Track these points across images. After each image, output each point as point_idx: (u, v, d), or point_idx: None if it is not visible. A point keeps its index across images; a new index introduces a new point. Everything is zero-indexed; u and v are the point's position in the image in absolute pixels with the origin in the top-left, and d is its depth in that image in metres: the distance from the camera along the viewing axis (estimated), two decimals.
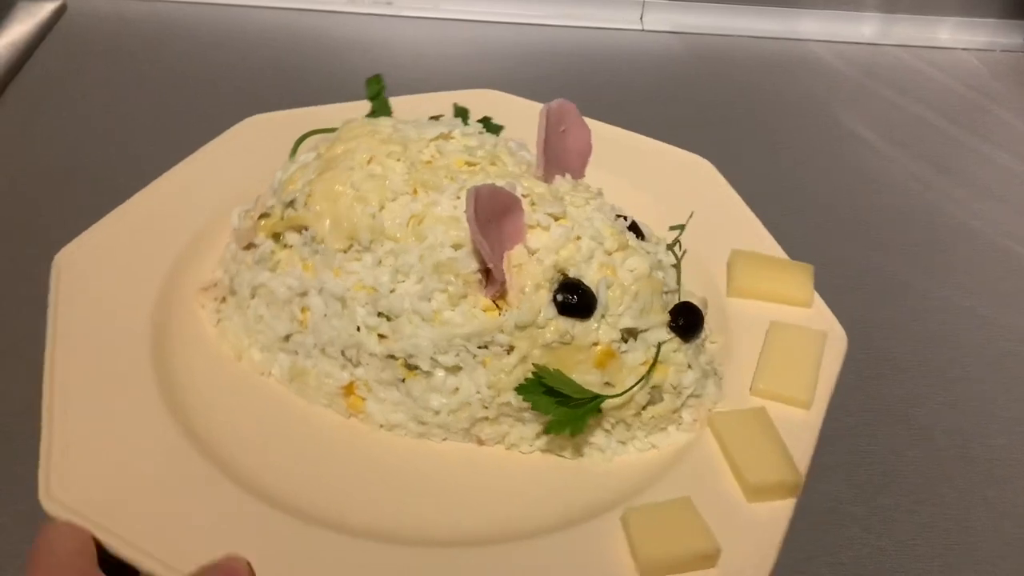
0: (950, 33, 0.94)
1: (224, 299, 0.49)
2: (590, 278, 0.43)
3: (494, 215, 0.42)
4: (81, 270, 0.47)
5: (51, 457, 0.38)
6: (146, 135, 0.67)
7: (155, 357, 0.44)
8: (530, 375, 0.42)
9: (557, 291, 0.42)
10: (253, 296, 0.48)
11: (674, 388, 0.43)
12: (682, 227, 0.50)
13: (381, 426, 0.45)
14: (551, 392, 0.41)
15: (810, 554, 0.44)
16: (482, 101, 0.60)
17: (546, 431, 0.43)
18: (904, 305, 0.60)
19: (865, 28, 0.93)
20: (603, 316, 0.42)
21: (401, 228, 0.44)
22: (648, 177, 0.56)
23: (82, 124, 0.68)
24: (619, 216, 0.46)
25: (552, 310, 0.42)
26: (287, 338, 0.47)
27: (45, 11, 0.78)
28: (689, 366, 0.44)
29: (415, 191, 0.45)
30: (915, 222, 0.69)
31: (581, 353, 0.43)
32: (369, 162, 0.46)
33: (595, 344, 0.42)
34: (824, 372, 0.45)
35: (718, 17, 0.91)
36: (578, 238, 0.43)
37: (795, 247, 0.51)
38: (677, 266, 0.48)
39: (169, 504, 0.38)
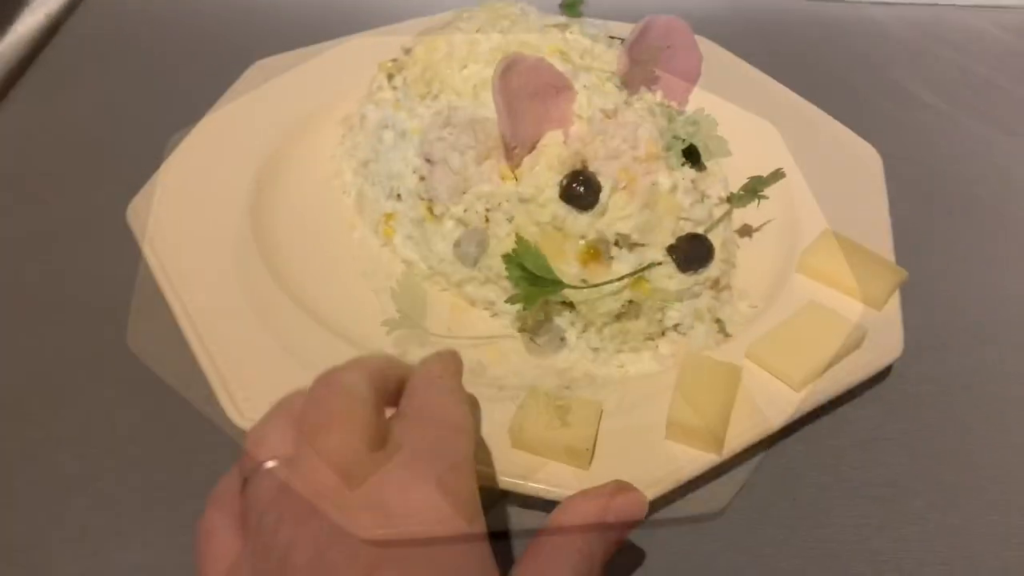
0: None
1: (351, 127, 0.55)
2: (606, 176, 0.42)
3: (538, 90, 0.42)
4: (158, 214, 0.51)
5: (227, 386, 0.41)
6: (164, 121, 0.64)
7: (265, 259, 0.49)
8: (514, 246, 0.42)
9: (566, 177, 0.42)
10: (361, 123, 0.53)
11: (655, 313, 0.42)
12: (760, 179, 0.47)
13: (403, 261, 0.49)
14: (523, 267, 0.41)
15: (874, 528, 0.41)
16: None
17: (507, 300, 0.43)
18: (972, 268, 0.57)
19: None
20: (602, 214, 0.42)
21: (467, 87, 0.47)
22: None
23: (96, 114, 0.66)
24: (676, 137, 0.45)
25: (555, 192, 0.42)
26: (365, 164, 0.51)
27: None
28: (680, 300, 0.43)
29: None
30: (983, 187, 0.65)
31: (569, 243, 0.42)
32: (477, 30, 0.50)
33: (582, 238, 0.42)
34: (851, 370, 0.42)
35: None
36: (612, 137, 0.43)
37: None
38: (728, 210, 0.46)
39: None
